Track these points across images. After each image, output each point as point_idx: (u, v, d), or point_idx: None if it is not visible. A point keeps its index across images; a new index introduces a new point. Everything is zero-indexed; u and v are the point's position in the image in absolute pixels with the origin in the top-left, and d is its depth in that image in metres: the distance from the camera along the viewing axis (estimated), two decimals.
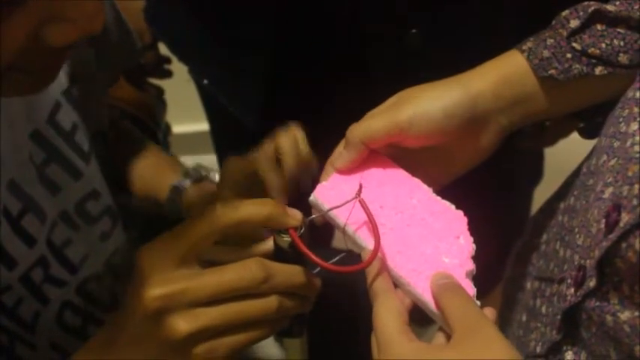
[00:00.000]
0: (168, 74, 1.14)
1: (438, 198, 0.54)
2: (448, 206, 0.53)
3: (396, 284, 0.50)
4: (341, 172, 0.55)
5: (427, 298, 0.48)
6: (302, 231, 0.49)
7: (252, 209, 0.48)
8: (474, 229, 0.52)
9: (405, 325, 0.46)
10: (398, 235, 0.51)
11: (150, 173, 0.77)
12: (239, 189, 0.57)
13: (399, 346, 0.45)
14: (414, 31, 0.75)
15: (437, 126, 0.54)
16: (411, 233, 0.51)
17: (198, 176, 0.72)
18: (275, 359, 0.95)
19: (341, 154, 0.55)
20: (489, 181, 0.81)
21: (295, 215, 0.49)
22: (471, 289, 0.49)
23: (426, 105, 0.54)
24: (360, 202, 0.51)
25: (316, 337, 0.59)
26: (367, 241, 0.51)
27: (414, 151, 0.56)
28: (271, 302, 0.48)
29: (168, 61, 1.12)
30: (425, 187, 0.54)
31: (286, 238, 0.49)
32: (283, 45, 0.59)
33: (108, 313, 0.69)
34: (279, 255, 0.50)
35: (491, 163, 0.61)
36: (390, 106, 0.55)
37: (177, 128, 0.68)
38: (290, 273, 0.49)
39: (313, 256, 0.47)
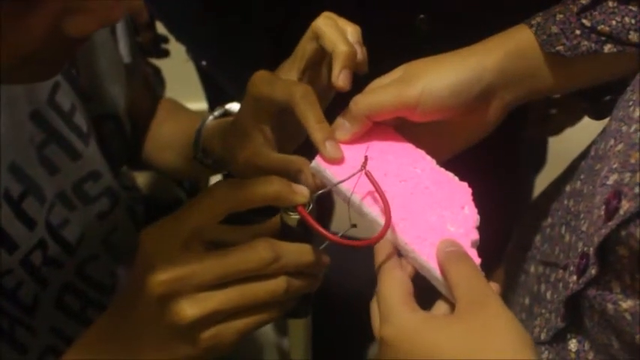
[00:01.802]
0: (165, 54, 1.12)
1: (442, 169, 0.53)
2: (452, 177, 0.53)
3: (400, 252, 0.49)
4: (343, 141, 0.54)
5: (432, 265, 0.47)
6: (310, 207, 0.48)
7: (257, 189, 0.46)
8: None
9: (409, 295, 0.45)
10: (402, 203, 0.50)
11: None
12: (261, 112, 0.55)
13: (401, 316, 0.44)
14: (422, 16, 0.74)
15: (443, 103, 0.53)
16: (415, 201, 0.51)
17: (221, 112, 0.69)
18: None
19: (343, 125, 0.53)
20: (494, 165, 0.81)
21: (302, 192, 0.47)
22: (476, 259, 0.48)
23: (434, 82, 0.53)
24: (366, 174, 0.50)
25: (320, 318, 0.57)
26: (373, 209, 0.50)
27: (416, 124, 0.55)
28: (280, 283, 0.46)
29: (165, 40, 1.10)
30: (428, 157, 0.54)
31: (294, 216, 0.48)
32: (286, 25, 0.58)
33: (108, 296, 0.69)
34: (285, 233, 0.49)
35: (497, 148, 0.60)
36: (396, 81, 0.54)
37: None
38: (299, 252, 0.47)
39: (326, 232, 0.46)
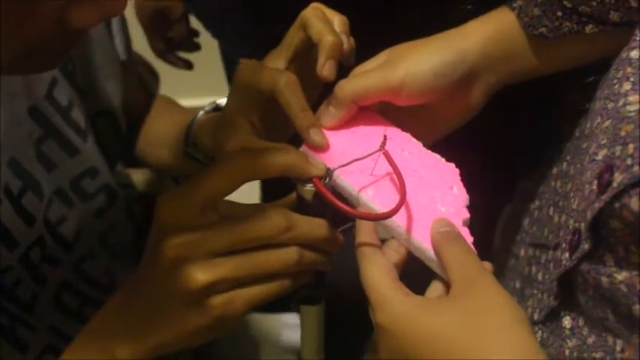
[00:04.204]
0: (196, 47, 1.12)
1: (429, 151, 0.54)
2: (439, 159, 0.54)
3: (393, 235, 0.49)
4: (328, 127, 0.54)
5: (426, 246, 0.48)
6: (326, 181, 0.48)
7: (273, 158, 0.46)
8: (471, 205, 0.52)
9: (398, 281, 0.45)
10: (392, 185, 0.51)
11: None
12: (248, 101, 0.55)
13: (395, 302, 0.44)
14: (419, 6, 0.74)
15: (428, 86, 0.54)
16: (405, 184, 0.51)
17: (212, 107, 0.68)
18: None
19: (329, 111, 0.54)
20: (491, 161, 0.81)
21: (318, 164, 0.48)
22: (468, 237, 0.48)
23: (417, 65, 0.54)
24: (384, 154, 0.50)
25: (333, 306, 0.57)
26: (368, 198, 0.50)
27: (400, 108, 0.56)
28: (292, 253, 0.46)
29: (196, 34, 1.10)
30: (414, 140, 0.55)
31: (309, 188, 0.48)
32: None
33: (106, 294, 0.68)
34: (301, 208, 0.49)
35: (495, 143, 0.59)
36: (381, 65, 0.55)
37: (204, 101, 0.68)
38: (312, 224, 0.47)
39: (339, 203, 0.46)
